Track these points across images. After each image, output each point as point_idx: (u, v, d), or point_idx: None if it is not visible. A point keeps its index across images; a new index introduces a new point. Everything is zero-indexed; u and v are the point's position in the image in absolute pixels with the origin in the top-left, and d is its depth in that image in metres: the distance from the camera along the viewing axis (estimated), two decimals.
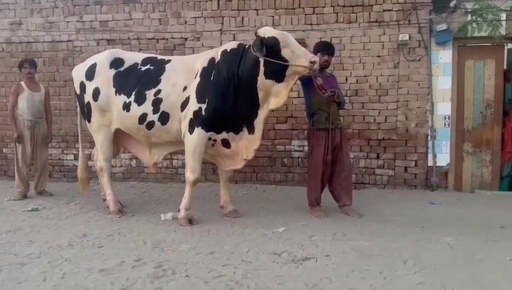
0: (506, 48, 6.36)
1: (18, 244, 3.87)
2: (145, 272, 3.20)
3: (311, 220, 4.70)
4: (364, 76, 6.48)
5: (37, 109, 5.94)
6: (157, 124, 4.58)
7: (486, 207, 5.42)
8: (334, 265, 3.37)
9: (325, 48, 4.90)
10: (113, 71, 4.78)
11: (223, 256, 3.56)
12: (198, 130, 4.39)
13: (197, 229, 4.37)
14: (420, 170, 6.43)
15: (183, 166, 4.95)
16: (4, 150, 7.46)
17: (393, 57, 6.39)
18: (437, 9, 6.20)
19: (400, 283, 3.03)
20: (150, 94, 4.56)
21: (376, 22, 6.40)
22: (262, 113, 4.48)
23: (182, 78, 4.52)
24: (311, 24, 6.53)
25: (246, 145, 4.56)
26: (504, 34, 6.11)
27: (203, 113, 4.36)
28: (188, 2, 6.84)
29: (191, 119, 4.40)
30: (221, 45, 5.15)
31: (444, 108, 6.35)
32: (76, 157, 5.89)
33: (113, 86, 4.74)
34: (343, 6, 6.44)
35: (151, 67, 4.70)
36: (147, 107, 4.57)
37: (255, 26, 6.33)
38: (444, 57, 6.29)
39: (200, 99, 4.37)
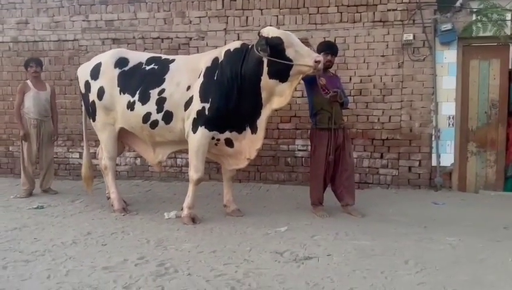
0: (511, 47, 6.31)
1: (23, 242, 3.92)
2: (147, 270, 3.23)
3: (314, 220, 4.72)
4: (369, 76, 6.48)
5: (43, 108, 5.99)
6: (161, 123, 4.61)
7: (490, 207, 5.41)
8: (336, 264, 3.38)
9: (328, 48, 4.90)
10: (117, 70, 4.81)
11: (225, 255, 3.59)
12: (201, 130, 4.41)
13: (200, 228, 4.39)
14: (424, 170, 6.42)
15: (187, 165, 4.97)
16: (10, 148, 7.53)
17: (397, 56, 6.39)
18: (442, 8, 6.19)
19: (401, 282, 3.04)
20: (153, 93, 4.59)
21: (380, 21, 6.40)
22: (265, 113, 4.49)
23: (185, 78, 4.55)
24: (315, 24, 6.53)
25: (248, 144, 4.57)
26: (509, 33, 6.09)
27: (207, 113, 4.38)
28: (192, 2, 6.86)
29: (194, 118, 4.43)
30: (225, 44, 5.16)
31: (448, 108, 6.34)
32: (81, 156, 5.93)
33: (118, 85, 4.77)
34: (348, 6, 6.44)
35: (155, 67, 4.73)
36: (151, 106, 4.60)
37: (259, 25, 6.34)
38: (448, 56, 6.28)
39: (203, 99, 4.39)
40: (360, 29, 6.44)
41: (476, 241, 3.96)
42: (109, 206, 5.13)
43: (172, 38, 6.95)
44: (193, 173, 4.53)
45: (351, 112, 6.38)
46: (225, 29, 6.79)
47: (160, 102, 4.57)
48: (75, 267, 3.29)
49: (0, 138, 7.58)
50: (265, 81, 4.31)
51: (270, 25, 5.91)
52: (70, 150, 7.41)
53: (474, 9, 6.14)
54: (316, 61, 4.15)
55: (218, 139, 4.57)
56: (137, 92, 4.66)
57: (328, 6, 6.49)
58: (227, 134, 4.55)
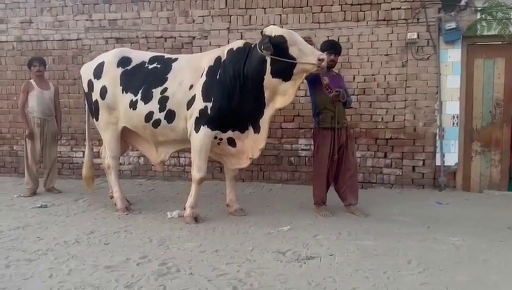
0: None
1: (26, 241, 3.93)
2: (149, 270, 3.24)
3: (317, 219, 4.71)
4: (372, 75, 6.45)
5: (46, 107, 6.01)
6: (164, 122, 4.61)
7: (494, 207, 5.38)
8: (338, 264, 3.37)
9: (331, 47, 4.87)
10: (120, 70, 4.81)
11: (227, 254, 3.58)
12: (204, 129, 4.41)
13: (202, 227, 4.39)
14: (428, 170, 6.39)
15: (190, 164, 4.98)
16: (15, 147, 7.56)
17: (401, 55, 6.35)
18: (446, 7, 6.15)
19: (404, 283, 3.03)
20: (156, 92, 4.59)
21: (384, 20, 6.37)
22: (268, 112, 4.48)
23: (188, 77, 4.55)
24: (319, 22, 6.51)
25: (251, 144, 4.56)
26: None
27: (209, 112, 4.37)
28: (195, 1, 6.86)
29: (196, 117, 4.42)
30: (228, 43, 5.15)
31: (452, 107, 6.29)
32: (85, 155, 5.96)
33: (120, 85, 4.78)
34: (351, 5, 6.41)
35: (158, 66, 4.73)
36: (154, 105, 4.60)
37: (263, 24, 6.33)
38: (452, 55, 6.23)
39: (205, 98, 4.39)
40: (364, 28, 6.41)
41: (480, 241, 3.94)
42: (112, 206, 5.13)
43: (175, 38, 6.95)
44: (196, 173, 4.53)
45: (355, 111, 6.36)
46: (228, 28, 6.78)
47: (163, 101, 4.57)
48: (77, 266, 3.30)
49: (4, 137, 7.62)
50: (269, 80, 4.29)
51: (274, 24, 5.89)
52: (74, 149, 7.44)
53: (479, 8, 6.10)
54: (319, 59, 4.13)
55: (221, 139, 4.57)
56: (140, 91, 4.66)
57: (332, 5, 6.47)
58: (229, 133, 4.54)
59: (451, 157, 6.33)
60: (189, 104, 4.48)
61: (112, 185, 5.15)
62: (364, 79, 6.48)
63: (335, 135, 4.77)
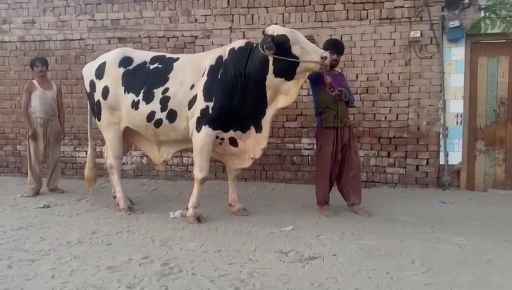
0: None
1: (29, 241, 3.93)
2: (152, 270, 3.23)
3: (320, 219, 4.69)
4: (375, 73, 6.43)
5: (49, 107, 6.01)
6: (165, 122, 4.60)
7: (498, 206, 5.35)
8: (341, 265, 3.36)
9: (334, 47, 4.84)
10: (122, 70, 4.81)
11: (229, 254, 3.57)
12: (205, 129, 4.40)
13: (204, 227, 4.38)
14: (432, 169, 6.36)
15: (193, 164, 4.97)
16: (18, 147, 7.58)
17: (404, 54, 6.32)
18: (449, 5, 6.11)
19: (407, 283, 3.01)
20: (158, 92, 4.59)
21: (387, 18, 6.33)
22: (270, 112, 4.46)
23: (189, 76, 4.54)
24: (321, 21, 6.49)
25: (253, 144, 4.55)
26: None
27: (210, 112, 4.36)
28: (198, 0, 6.84)
29: (198, 117, 4.42)
30: (231, 42, 5.14)
31: (456, 106, 6.26)
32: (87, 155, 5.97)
33: (122, 85, 4.77)
34: (354, 3, 6.38)
35: (160, 66, 4.72)
36: (155, 105, 4.59)
37: (265, 23, 6.32)
38: (456, 54, 6.20)
39: (207, 98, 4.38)
40: (367, 27, 6.38)
41: (484, 241, 3.92)
42: (115, 205, 5.13)
43: (178, 37, 6.95)
44: (198, 172, 4.52)
45: (358, 110, 6.34)
46: (230, 27, 6.76)
47: (164, 101, 4.56)
48: (79, 267, 3.30)
49: (7, 137, 7.64)
50: (271, 79, 4.28)
51: (276, 23, 5.88)
52: (77, 149, 7.45)
53: (483, 6, 6.05)
54: (322, 58, 4.11)
55: (223, 139, 4.56)
56: (142, 91, 4.66)
57: (334, 4, 6.44)
58: (231, 133, 4.53)
59: (455, 156, 6.29)
60: (191, 103, 4.47)
61: (115, 185, 5.15)
62: (367, 78, 6.45)
63: (338, 134, 4.75)
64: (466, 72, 6.22)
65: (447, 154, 6.27)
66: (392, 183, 6.47)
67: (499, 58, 6.17)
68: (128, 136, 5.15)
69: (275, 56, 4.14)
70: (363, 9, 6.38)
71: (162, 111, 4.58)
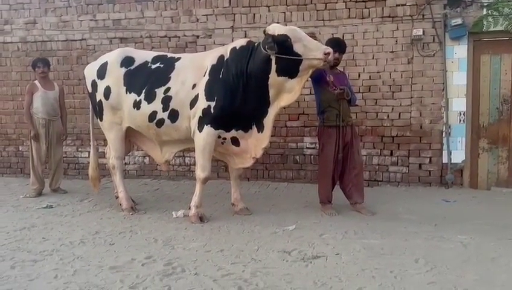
0: None
1: (31, 242, 3.93)
2: (154, 270, 3.23)
3: (323, 218, 4.68)
4: (378, 72, 6.41)
5: (51, 107, 6.02)
6: (167, 121, 4.59)
7: (502, 205, 5.33)
8: (344, 264, 3.34)
9: (336, 45, 4.78)
10: (123, 70, 4.80)
11: (232, 254, 3.57)
12: (207, 128, 4.39)
13: (207, 226, 4.38)
14: (435, 167, 6.34)
15: (195, 163, 4.97)
16: (20, 148, 7.59)
17: (407, 52, 6.30)
18: (451, 3, 6.08)
19: (411, 282, 3.00)
20: (159, 92, 4.58)
21: (389, 17, 6.31)
22: (272, 111, 4.44)
23: (191, 76, 4.53)
24: (323, 20, 6.47)
25: (254, 143, 4.53)
26: None
27: (212, 111, 4.35)
28: (199, 0, 6.84)
29: (200, 117, 4.41)
30: (232, 42, 5.14)
31: (459, 104, 6.24)
32: (90, 155, 5.96)
33: (124, 85, 4.77)
34: (356, 2, 6.36)
35: (161, 65, 4.71)
36: (157, 105, 4.59)
37: (267, 23, 6.28)
38: (458, 52, 6.18)
39: (208, 97, 4.37)
40: (369, 25, 6.36)
41: (488, 239, 3.90)
42: (117, 206, 5.13)
43: (179, 37, 6.94)
44: (200, 172, 4.51)
45: (360, 109, 6.33)
46: (232, 26, 6.76)
47: (166, 100, 4.55)
48: (82, 267, 3.29)
49: (10, 137, 7.65)
50: (274, 78, 4.26)
51: (278, 22, 5.86)
52: (79, 149, 7.45)
53: (485, 4, 6.03)
54: (325, 54, 4.09)
55: (225, 138, 4.55)
56: (143, 90, 4.65)
57: (336, 2, 6.42)
58: (233, 133, 4.52)
59: (458, 154, 6.27)
60: (192, 103, 4.46)
61: (117, 185, 5.15)
62: (370, 76, 6.43)
63: (340, 133, 4.74)
64: (469, 70, 6.20)
65: (450, 153, 6.25)
66: (395, 182, 6.45)
67: (501, 56, 6.14)
68: (130, 136, 5.15)
69: (278, 55, 4.13)
70: (365, 7, 6.36)
71: (163, 111, 4.57)
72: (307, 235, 4.04)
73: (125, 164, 6.93)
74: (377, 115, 6.46)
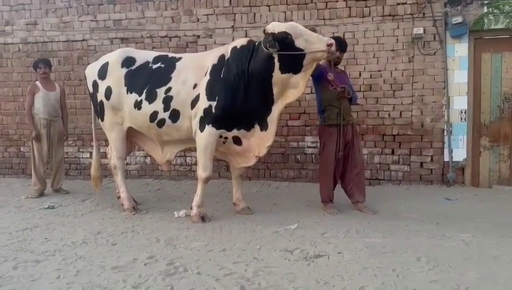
0: None
1: (34, 242, 3.93)
2: (157, 270, 3.23)
3: (324, 217, 4.68)
4: (379, 71, 6.41)
5: (52, 108, 6.02)
6: (168, 121, 4.60)
7: (504, 203, 5.32)
8: (346, 262, 3.34)
9: (336, 44, 4.82)
10: (124, 70, 4.80)
11: (234, 253, 3.57)
12: (208, 128, 4.39)
13: (209, 226, 4.38)
14: (436, 166, 6.34)
15: (196, 163, 4.97)
16: (22, 149, 7.60)
17: (407, 51, 6.30)
18: (452, 1, 6.08)
19: (413, 280, 2.99)
20: (160, 92, 4.58)
21: (390, 15, 6.32)
22: (276, 109, 4.44)
23: (192, 76, 4.53)
24: (324, 19, 6.47)
25: (257, 142, 4.53)
26: None
27: (213, 111, 4.35)
28: (200, 0, 6.84)
29: (201, 117, 4.41)
30: (233, 41, 5.14)
31: (460, 102, 6.24)
32: (92, 156, 5.97)
33: (125, 85, 4.77)
34: (356, 0, 6.37)
35: (162, 65, 4.71)
36: (158, 105, 4.59)
37: (267, 22, 6.21)
38: (459, 50, 6.18)
39: (210, 97, 4.37)
40: (369, 24, 6.37)
41: (490, 237, 3.89)
42: (119, 206, 5.13)
43: (180, 37, 6.95)
44: (201, 172, 4.51)
45: (361, 107, 6.33)
46: (233, 26, 6.76)
47: (167, 100, 4.55)
48: (84, 267, 3.30)
49: (11, 138, 7.66)
50: (278, 76, 4.24)
51: (278, 22, 5.85)
52: (80, 149, 7.46)
53: (485, 2, 6.03)
54: (328, 45, 4.08)
55: (226, 138, 4.54)
56: (144, 91, 4.65)
57: (337, 1, 6.43)
58: (235, 132, 4.51)
59: (459, 152, 6.27)
60: (194, 103, 4.46)
61: (119, 185, 5.15)
62: (371, 75, 6.43)
63: (341, 132, 4.73)
64: (470, 68, 6.20)
65: (451, 151, 6.24)
66: (397, 181, 6.45)
67: (502, 54, 6.14)
68: (131, 137, 5.15)
69: (280, 52, 4.12)
70: (366, 6, 6.37)
71: (164, 111, 4.57)
72: (309, 234, 4.04)
73: (127, 164, 6.94)
74: (378, 114, 6.46)
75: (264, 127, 4.50)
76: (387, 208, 5.05)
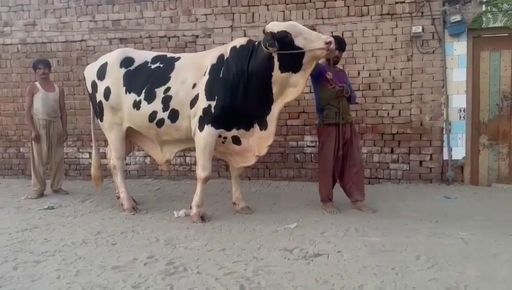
0: None
1: (34, 242, 3.94)
2: (157, 269, 3.23)
3: (324, 216, 4.68)
4: (377, 69, 6.41)
5: (51, 108, 6.03)
6: (167, 121, 4.60)
7: (503, 201, 5.33)
8: (346, 261, 3.35)
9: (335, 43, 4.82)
10: (123, 70, 4.80)
11: (234, 253, 3.57)
12: (208, 128, 4.39)
13: (209, 226, 4.38)
14: (435, 164, 6.34)
15: (196, 163, 4.98)
16: (21, 150, 7.61)
17: (406, 49, 6.31)
18: (450, 0, 6.08)
19: (412, 279, 3.00)
20: (159, 92, 4.58)
21: (388, 14, 6.32)
22: (276, 108, 4.44)
23: (191, 76, 4.53)
24: (322, 18, 6.48)
25: (257, 141, 4.53)
26: None
27: (213, 111, 4.35)
28: (198, 0, 6.84)
29: (200, 116, 4.41)
30: (232, 41, 5.14)
31: (459, 101, 6.24)
32: (91, 156, 5.98)
33: (124, 85, 4.77)
34: (355, 0, 6.37)
35: (161, 65, 4.72)
36: (157, 105, 4.59)
37: (266, 22, 6.26)
38: (458, 48, 6.18)
39: (209, 97, 4.37)
40: (368, 23, 6.37)
41: (489, 235, 3.90)
42: (119, 206, 5.13)
43: (178, 37, 6.95)
44: (201, 172, 4.52)
45: (360, 106, 6.34)
46: (231, 26, 6.77)
47: (166, 100, 4.56)
48: (84, 267, 3.30)
49: (11, 139, 7.66)
50: (277, 75, 4.25)
51: (277, 21, 5.85)
52: (80, 150, 7.47)
53: (484, 0, 6.03)
54: (327, 43, 4.08)
55: (225, 137, 4.55)
56: (143, 91, 4.65)
57: (335, 0, 6.43)
58: (234, 132, 4.52)
59: (458, 151, 6.28)
60: (193, 103, 4.47)
61: (118, 186, 5.15)
62: (370, 74, 6.44)
63: (339, 131, 4.74)
64: (468, 66, 6.20)
65: (450, 150, 6.25)
66: (396, 180, 6.46)
67: (501, 52, 6.14)
68: (130, 137, 5.16)
69: (280, 52, 4.12)
70: (364, 5, 6.37)
71: (164, 111, 4.57)
72: (308, 234, 4.04)
73: (127, 164, 6.94)
74: (377, 113, 6.46)
75: (263, 126, 4.50)
76: (386, 206, 5.05)
